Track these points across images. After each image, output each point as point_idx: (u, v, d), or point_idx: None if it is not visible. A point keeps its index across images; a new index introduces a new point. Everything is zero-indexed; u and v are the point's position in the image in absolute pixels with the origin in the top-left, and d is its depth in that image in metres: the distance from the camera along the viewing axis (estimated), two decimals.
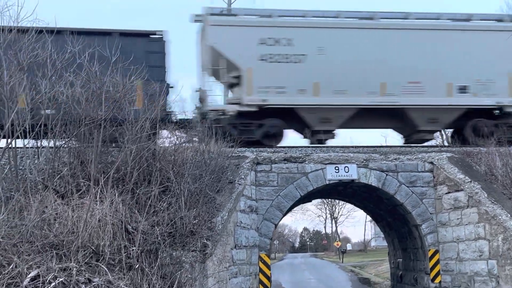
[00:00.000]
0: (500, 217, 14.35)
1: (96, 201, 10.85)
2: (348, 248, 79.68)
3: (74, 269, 9.11)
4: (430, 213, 17.00)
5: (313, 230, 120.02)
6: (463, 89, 20.29)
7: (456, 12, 21.45)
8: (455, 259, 16.15)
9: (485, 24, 21.15)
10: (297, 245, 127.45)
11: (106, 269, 9.59)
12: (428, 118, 20.40)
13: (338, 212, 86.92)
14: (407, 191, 17.05)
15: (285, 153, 16.99)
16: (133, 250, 10.38)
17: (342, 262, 60.48)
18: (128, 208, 11.42)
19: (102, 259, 9.88)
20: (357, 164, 16.99)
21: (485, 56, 20.33)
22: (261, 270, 15.97)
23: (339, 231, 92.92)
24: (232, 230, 14.04)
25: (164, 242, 11.19)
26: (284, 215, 17.63)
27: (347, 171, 16.84)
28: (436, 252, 16.75)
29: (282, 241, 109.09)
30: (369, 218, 78.79)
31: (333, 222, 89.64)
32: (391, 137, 49.78)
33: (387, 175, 17.06)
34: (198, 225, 12.36)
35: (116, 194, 11.29)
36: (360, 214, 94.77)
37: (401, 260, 20.47)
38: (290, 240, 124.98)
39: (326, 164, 16.86)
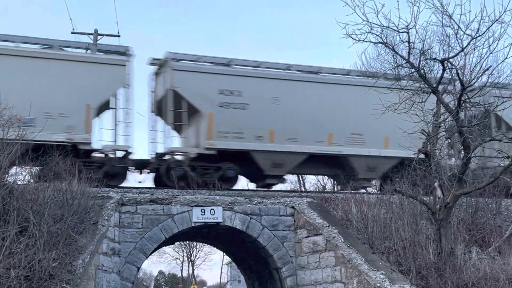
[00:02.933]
0: (355, 260, 15.16)
1: None
2: None
3: None
4: (290, 256, 17.52)
5: (169, 273, 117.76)
6: None
7: None
8: None
9: None
10: None
11: None
12: None
13: (196, 255, 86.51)
14: (269, 234, 17.50)
15: (152, 195, 16.75)
16: None
17: None
18: None
19: None
20: (222, 207, 17.17)
21: None
22: None
23: (195, 274, 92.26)
24: (93, 273, 13.44)
25: (20, 286, 10.48)
26: (147, 257, 17.24)
27: (213, 213, 16.94)
28: None
29: (137, 284, 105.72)
30: (226, 261, 79.46)
31: (190, 265, 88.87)
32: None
33: (251, 218, 17.40)
34: (58, 268, 11.70)
35: None
36: (216, 257, 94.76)
37: None
38: (145, 284, 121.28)
39: (192, 206, 16.84)
